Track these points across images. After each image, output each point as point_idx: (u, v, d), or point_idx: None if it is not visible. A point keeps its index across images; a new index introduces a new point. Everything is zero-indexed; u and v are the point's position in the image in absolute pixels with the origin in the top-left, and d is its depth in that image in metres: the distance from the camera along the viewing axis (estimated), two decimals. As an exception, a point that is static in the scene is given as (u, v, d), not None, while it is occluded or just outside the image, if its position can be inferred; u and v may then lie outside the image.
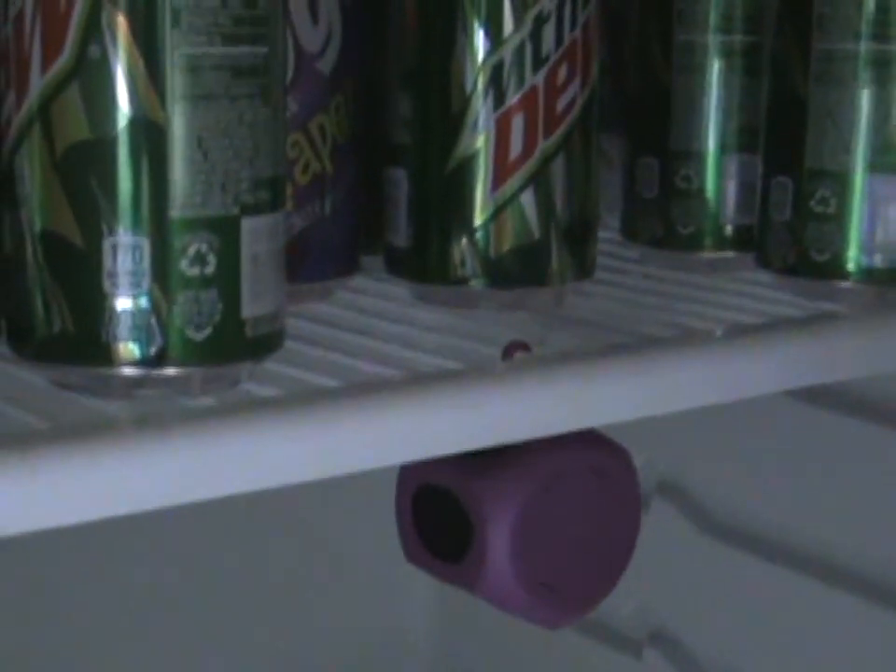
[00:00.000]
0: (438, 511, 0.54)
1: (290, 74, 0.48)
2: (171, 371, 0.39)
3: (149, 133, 0.38)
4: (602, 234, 0.63)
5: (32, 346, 0.40)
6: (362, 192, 0.52)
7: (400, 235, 0.50)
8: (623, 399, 0.44)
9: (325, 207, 0.50)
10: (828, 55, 0.50)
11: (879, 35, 0.49)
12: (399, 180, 0.50)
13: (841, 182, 0.50)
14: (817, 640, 0.69)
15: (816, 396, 0.67)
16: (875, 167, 0.49)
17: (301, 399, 0.39)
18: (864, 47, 0.49)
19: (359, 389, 0.40)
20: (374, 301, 0.52)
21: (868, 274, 0.50)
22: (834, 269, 0.51)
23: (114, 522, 0.78)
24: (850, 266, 0.50)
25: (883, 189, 0.50)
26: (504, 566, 0.51)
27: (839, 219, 0.50)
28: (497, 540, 0.51)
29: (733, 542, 0.71)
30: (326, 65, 0.49)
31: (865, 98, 0.49)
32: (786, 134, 0.51)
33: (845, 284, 0.51)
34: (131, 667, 0.78)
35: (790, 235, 0.51)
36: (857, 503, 0.66)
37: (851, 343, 0.49)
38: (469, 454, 0.53)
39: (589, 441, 0.54)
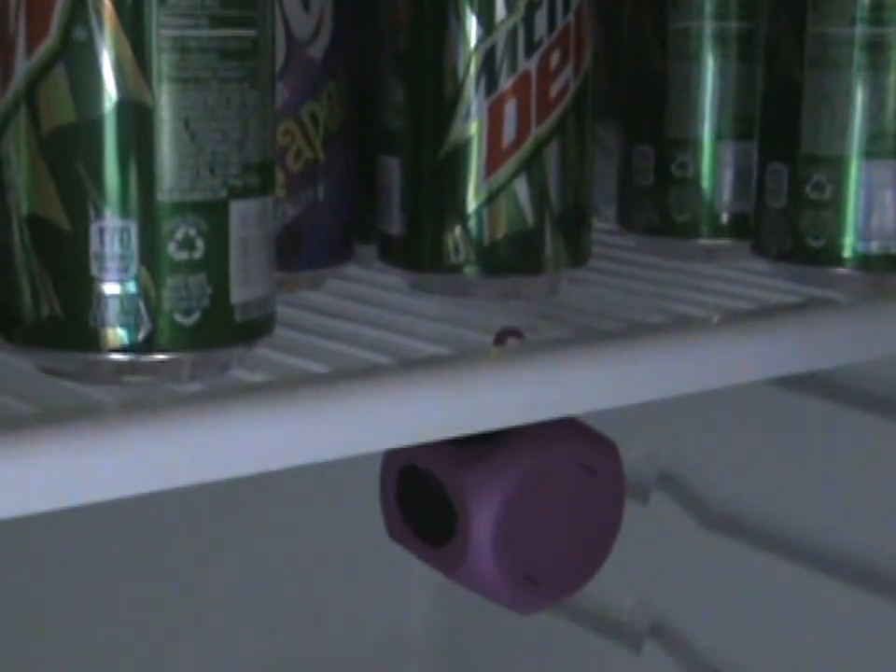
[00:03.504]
0: (422, 494, 0.53)
1: (281, 61, 0.48)
2: (159, 356, 0.39)
3: (136, 116, 0.37)
4: (598, 224, 0.63)
5: (19, 332, 0.39)
6: (355, 180, 0.51)
7: (393, 223, 0.50)
8: (615, 385, 0.44)
9: (317, 195, 0.50)
10: (823, 40, 0.49)
11: (875, 19, 0.48)
12: (392, 168, 0.50)
13: (836, 168, 0.50)
14: (816, 631, 0.68)
15: (816, 387, 0.67)
16: (870, 153, 0.49)
17: (291, 385, 0.39)
18: (860, 31, 0.49)
19: (349, 375, 0.40)
20: (367, 289, 0.52)
21: (864, 261, 0.50)
22: (830, 255, 0.50)
23: (108, 516, 0.78)
24: (846, 252, 0.50)
25: (878, 175, 0.49)
26: (485, 554, 0.51)
27: (835, 206, 0.50)
28: (480, 529, 0.51)
29: (732, 534, 0.71)
30: (317, 52, 0.49)
31: (860, 83, 0.49)
32: (781, 121, 0.51)
33: (840, 270, 0.50)
34: (123, 666, 0.77)
35: (785, 222, 0.51)
36: (856, 493, 0.66)
37: (847, 329, 0.48)
38: (456, 439, 0.53)
39: (576, 433, 0.54)
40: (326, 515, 0.82)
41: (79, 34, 0.37)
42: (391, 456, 0.55)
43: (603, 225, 0.63)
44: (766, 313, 0.48)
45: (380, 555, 0.85)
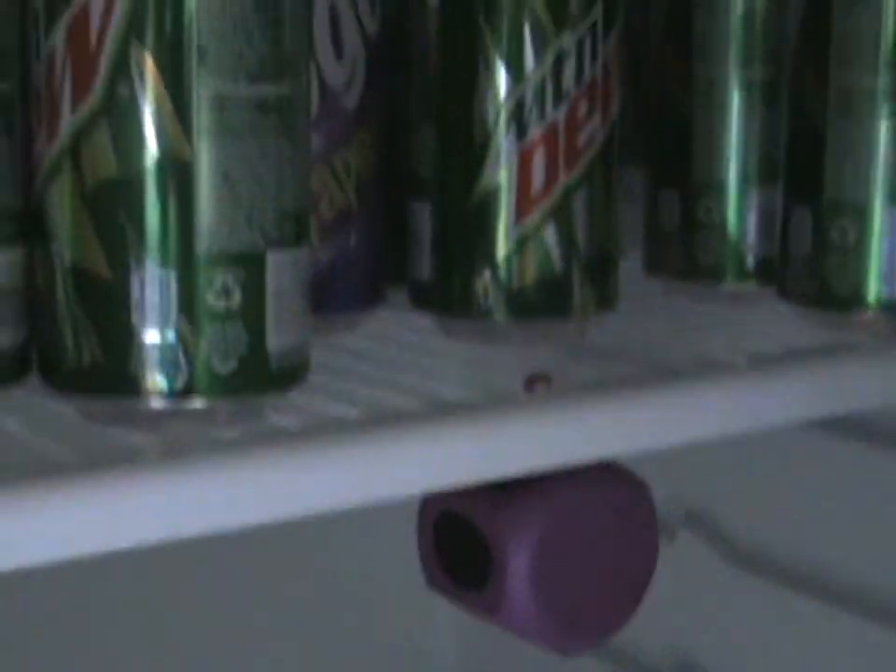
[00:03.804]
0: (459, 538, 0.54)
1: (315, 109, 0.49)
2: (197, 403, 0.40)
3: (176, 170, 0.38)
4: (624, 267, 0.64)
5: (61, 378, 0.40)
6: (386, 225, 0.52)
7: (424, 268, 0.51)
8: (644, 429, 0.44)
9: (350, 241, 0.50)
10: (846, 89, 0.50)
11: (897, 68, 0.49)
12: (423, 214, 0.50)
13: (860, 214, 0.50)
14: (845, 671, 0.68)
15: (844, 427, 0.67)
16: (893, 199, 0.50)
17: (325, 431, 0.40)
18: (883, 80, 0.49)
19: (382, 420, 0.41)
20: (399, 333, 0.53)
21: (888, 306, 0.50)
22: (855, 300, 0.51)
23: (139, 559, 0.78)
24: (870, 298, 0.51)
25: (902, 221, 0.50)
26: (523, 596, 0.52)
27: (858, 251, 0.50)
28: (517, 569, 0.51)
29: (760, 573, 0.71)
30: (350, 101, 0.50)
31: (884, 131, 0.50)
32: (805, 166, 0.51)
33: (865, 315, 0.51)
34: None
35: (810, 267, 0.52)
36: (886, 534, 0.66)
37: (872, 373, 0.49)
38: (490, 484, 0.54)
39: (609, 474, 0.55)
40: (352, 548, 0.83)
41: (122, 91, 0.38)
42: (427, 505, 0.56)
43: (629, 267, 0.64)
44: (793, 357, 0.48)
45: (405, 585, 0.85)
